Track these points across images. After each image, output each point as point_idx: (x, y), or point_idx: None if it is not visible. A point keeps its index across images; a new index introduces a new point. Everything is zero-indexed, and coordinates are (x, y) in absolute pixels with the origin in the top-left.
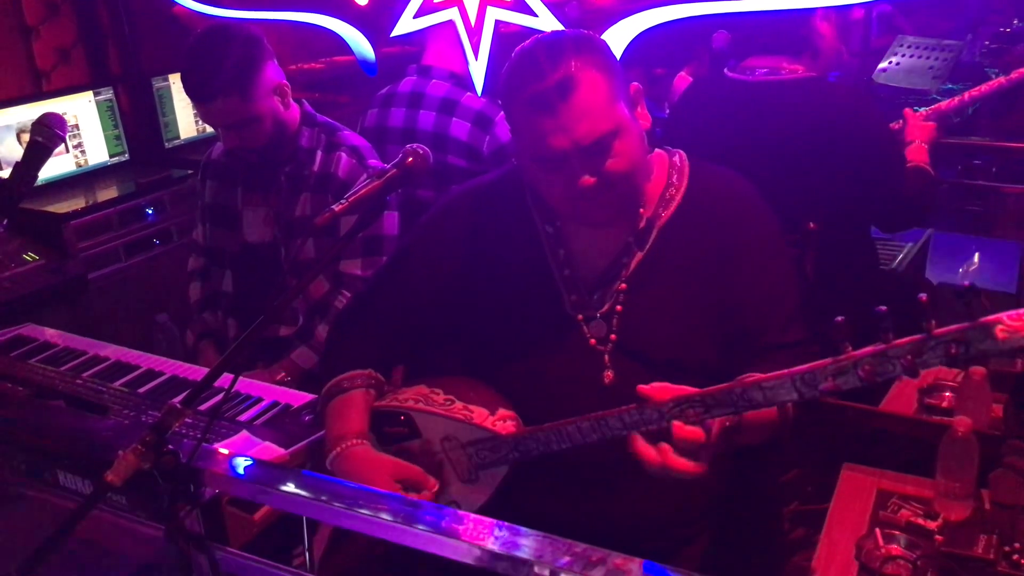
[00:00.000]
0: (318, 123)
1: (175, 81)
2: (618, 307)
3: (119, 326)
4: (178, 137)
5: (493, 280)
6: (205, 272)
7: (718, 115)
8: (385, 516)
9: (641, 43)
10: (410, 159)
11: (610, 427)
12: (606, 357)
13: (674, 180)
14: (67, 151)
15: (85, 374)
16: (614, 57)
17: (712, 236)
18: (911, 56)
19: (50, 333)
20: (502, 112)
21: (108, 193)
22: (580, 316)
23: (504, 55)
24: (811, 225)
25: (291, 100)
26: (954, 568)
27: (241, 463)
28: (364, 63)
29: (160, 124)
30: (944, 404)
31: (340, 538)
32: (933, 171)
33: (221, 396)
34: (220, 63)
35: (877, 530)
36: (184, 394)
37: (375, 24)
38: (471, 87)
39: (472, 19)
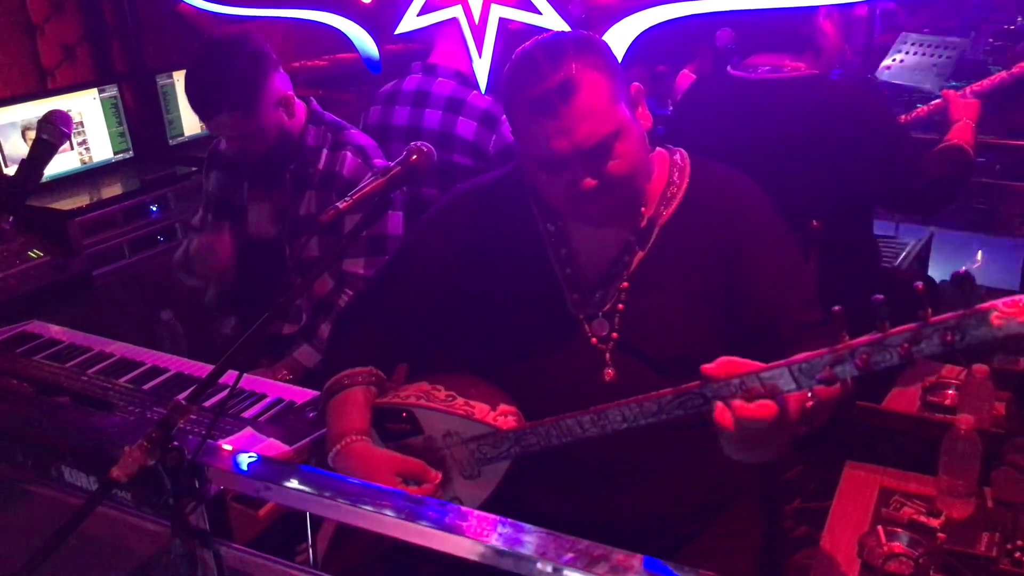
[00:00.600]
0: (325, 121)
1: (179, 78)
2: (619, 306)
3: (123, 323)
4: (182, 134)
5: (495, 279)
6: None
7: (721, 113)
8: (389, 512)
9: (644, 41)
10: (414, 157)
11: (610, 421)
12: (607, 355)
13: (675, 178)
14: (72, 148)
15: (90, 371)
16: (615, 58)
17: (714, 233)
18: (914, 54)
19: (55, 330)
20: None
21: (112, 190)
22: (582, 315)
23: (508, 53)
24: (814, 223)
25: (296, 108)
26: (956, 566)
27: (246, 459)
28: (368, 61)
29: (164, 121)
30: (947, 402)
31: (344, 533)
32: (973, 151)
33: (226, 393)
34: (223, 80)
35: (879, 528)
36: (189, 390)
37: (379, 22)
38: (476, 86)
39: (476, 17)
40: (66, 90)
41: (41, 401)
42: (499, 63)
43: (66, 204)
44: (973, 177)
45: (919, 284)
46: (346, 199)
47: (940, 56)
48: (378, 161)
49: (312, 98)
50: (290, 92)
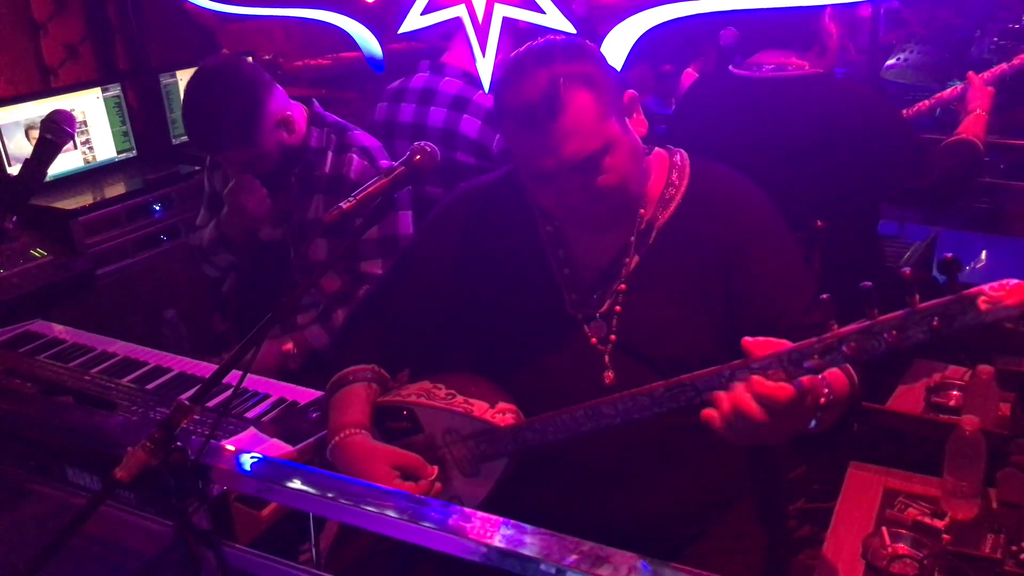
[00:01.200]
0: (328, 123)
1: (183, 78)
2: (617, 308)
3: (126, 322)
4: (185, 135)
5: (496, 279)
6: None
7: (724, 111)
8: (391, 513)
9: (649, 40)
10: (418, 157)
11: (603, 415)
12: (606, 357)
13: (674, 179)
14: (75, 147)
15: (93, 370)
16: (608, 67)
17: (713, 235)
18: (919, 52)
19: (58, 329)
20: None
21: (116, 189)
22: (580, 315)
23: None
24: (818, 223)
25: (295, 123)
26: (961, 567)
27: (248, 460)
28: (371, 60)
29: (168, 120)
30: (951, 403)
31: (347, 532)
32: (983, 145)
33: (229, 393)
34: (220, 120)
35: (884, 529)
36: (192, 391)
37: (382, 21)
38: (482, 85)
39: (480, 16)
40: (69, 89)
41: (44, 401)
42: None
43: (69, 203)
44: (977, 176)
45: (906, 270)
46: (350, 199)
47: (944, 55)
48: (384, 162)
49: (314, 99)
50: (287, 111)
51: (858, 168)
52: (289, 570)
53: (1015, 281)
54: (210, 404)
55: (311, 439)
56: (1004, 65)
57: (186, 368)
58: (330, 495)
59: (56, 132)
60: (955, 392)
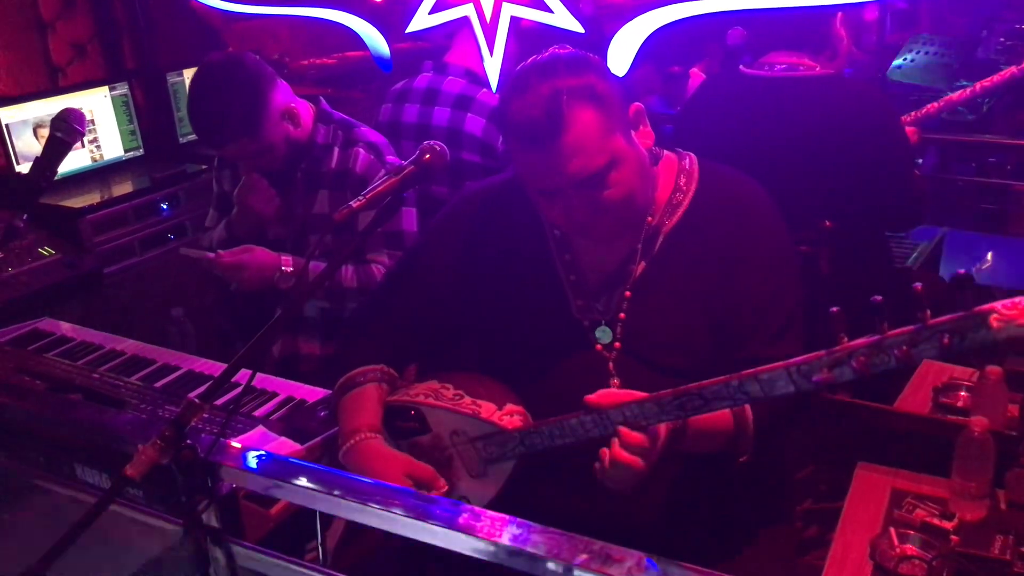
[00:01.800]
0: (334, 120)
1: (190, 77)
2: (621, 315)
3: (134, 320)
4: (192, 132)
5: (502, 281)
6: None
7: (734, 111)
8: (399, 511)
9: (657, 40)
10: (427, 156)
11: (611, 421)
12: (611, 364)
13: (682, 184)
14: (83, 146)
15: (102, 368)
16: (613, 81)
17: (717, 242)
18: (926, 53)
19: (66, 327)
20: None
21: (123, 188)
22: (586, 321)
23: (520, 51)
24: (827, 223)
25: (301, 115)
26: (970, 569)
27: (257, 458)
28: (379, 59)
29: (175, 119)
30: (960, 403)
31: (354, 532)
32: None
33: (238, 391)
34: (224, 114)
35: (892, 530)
36: (201, 388)
37: (389, 20)
38: (487, 84)
39: (487, 15)
40: (77, 88)
41: (53, 398)
42: (511, 62)
43: (77, 202)
44: (984, 177)
45: (918, 285)
46: (359, 198)
47: (951, 55)
48: (391, 158)
49: (320, 97)
50: (292, 103)
51: (866, 168)
52: (296, 568)
53: None
54: (217, 402)
55: (319, 437)
56: (1013, 68)
57: (194, 366)
58: (338, 493)
59: (67, 131)
60: (963, 393)
